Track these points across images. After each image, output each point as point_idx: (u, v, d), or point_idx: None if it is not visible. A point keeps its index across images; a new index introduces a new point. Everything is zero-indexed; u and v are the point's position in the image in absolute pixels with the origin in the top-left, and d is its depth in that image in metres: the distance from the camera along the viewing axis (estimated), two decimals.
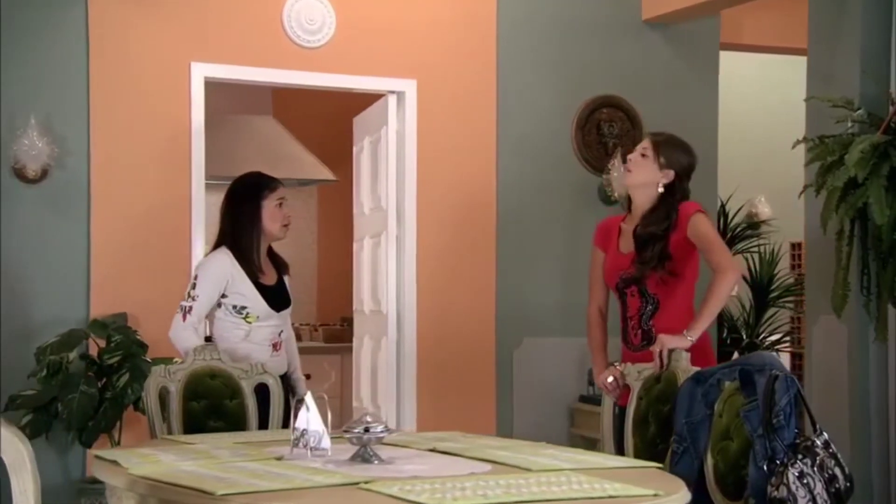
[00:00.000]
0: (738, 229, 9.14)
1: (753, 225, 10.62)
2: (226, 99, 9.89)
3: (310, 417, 4.23)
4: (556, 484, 3.56)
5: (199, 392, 5.37)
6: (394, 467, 3.95)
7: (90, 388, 6.42)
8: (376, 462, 4.04)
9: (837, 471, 4.34)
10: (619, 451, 5.11)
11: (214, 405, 5.40)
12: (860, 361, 6.59)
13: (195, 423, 5.32)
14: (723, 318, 8.75)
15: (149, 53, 7.12)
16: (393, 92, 7.67)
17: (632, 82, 8.18)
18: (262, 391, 5.50)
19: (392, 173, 7.69)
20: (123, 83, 7.07)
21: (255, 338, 5.66)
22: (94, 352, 6.76)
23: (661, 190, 5.37)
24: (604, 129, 8.06)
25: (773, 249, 9.10)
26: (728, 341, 8.75)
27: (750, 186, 9.70)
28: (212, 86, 8.57)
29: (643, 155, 5.43)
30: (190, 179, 7.16)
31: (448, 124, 7.76)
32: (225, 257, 5.67)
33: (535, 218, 7.86)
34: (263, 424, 5.42)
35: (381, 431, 4.09)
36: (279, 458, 4.12)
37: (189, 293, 5.65)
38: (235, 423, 5.38)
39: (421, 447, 4.42)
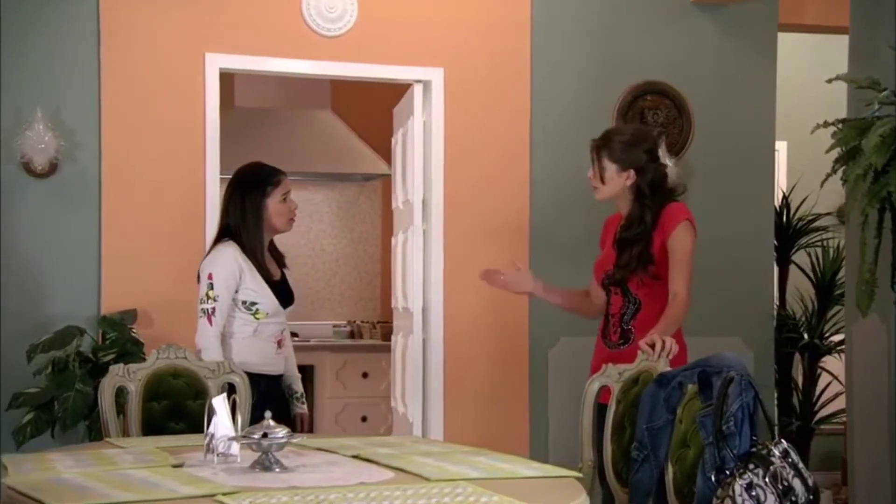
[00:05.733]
0: (800, 224, 8.62)
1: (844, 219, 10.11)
2: (284, 93, 9.74)
3: (218, 422, 4.00)
4: (427, 496, 3.27)
5: (159, 392, 5.16)
6: (287, 476, 3.69)
7: (86, 386, 6.25)
8: (277, 470, 3.78)
9: (797, 482, 3.96)
10: (602, 455, 4.76)
11: (176, 406, 5.18)
12: None
13: (155, 425, 5.11)
14: (782, 318, 8.27)
15: (162, 43, 6.90)
16: (419, 81, 7.35)
17: (679, 68, 7.72)
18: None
19: (419, 166, 7.37)
20: (135, 74, 6.86)
21: (262, 333, 5.46)
22: None
23: (630, 194, 5.29)
24: (648, 118, 7.61)
25: (837, 244, 8.57)
26: (789, 345, 8.26)
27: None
28: (270, 79, 8.38)
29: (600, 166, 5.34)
30: (204, 173, 6.92)
31: (478, 114, 7.39)
32: (234, 251, 5.45)
33: (572, 211, 7.43)
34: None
35: (282, 437, 3.83)
36: (178, 466, 3.88)
37: (208, 294, 5.40)
38: (198, 424, 5.12)
39: (346, 453, 4.14)
